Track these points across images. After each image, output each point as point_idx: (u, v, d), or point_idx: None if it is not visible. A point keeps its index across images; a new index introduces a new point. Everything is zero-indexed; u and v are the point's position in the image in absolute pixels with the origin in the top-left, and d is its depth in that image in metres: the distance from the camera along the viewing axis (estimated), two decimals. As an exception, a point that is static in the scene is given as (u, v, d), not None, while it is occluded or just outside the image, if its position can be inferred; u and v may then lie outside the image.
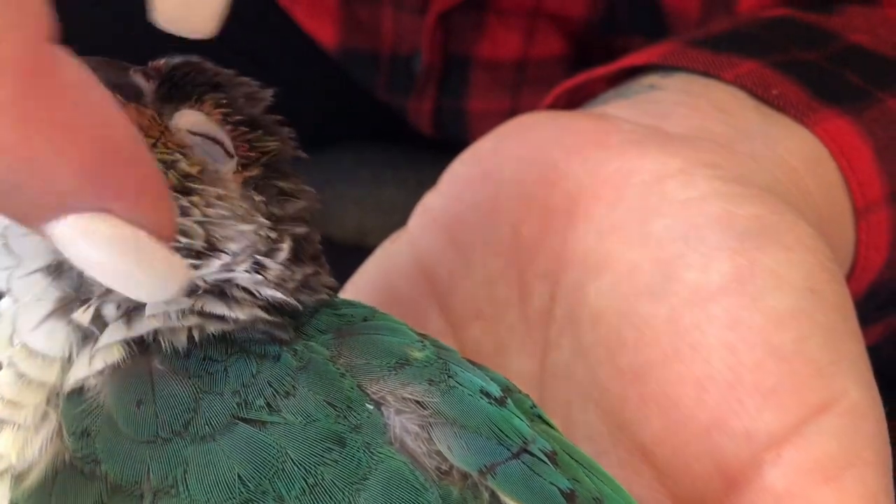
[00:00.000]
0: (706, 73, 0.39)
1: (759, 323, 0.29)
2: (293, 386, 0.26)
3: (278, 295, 0.27)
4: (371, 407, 0.26)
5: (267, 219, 0.28)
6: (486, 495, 0.25)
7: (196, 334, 0.26)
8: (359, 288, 0.38)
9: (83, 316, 0.26)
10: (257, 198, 0.29)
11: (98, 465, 0.25)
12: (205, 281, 0.27)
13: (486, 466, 0.25)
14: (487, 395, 0.26)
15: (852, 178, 0.38)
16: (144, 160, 0.23)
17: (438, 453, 0.25)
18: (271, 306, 0.27)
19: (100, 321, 0.26)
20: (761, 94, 0.38)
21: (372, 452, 0.25)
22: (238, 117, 0.29)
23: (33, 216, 0.22)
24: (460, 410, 0.26)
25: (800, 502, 0.27)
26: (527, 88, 0.64)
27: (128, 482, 0.24)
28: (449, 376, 0.26)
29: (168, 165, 0.27)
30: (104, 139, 0.22)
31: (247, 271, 0.27)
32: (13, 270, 0.27)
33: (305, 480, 0.24)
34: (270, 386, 0.26)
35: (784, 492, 0.27)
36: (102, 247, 0.22)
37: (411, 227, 0.38)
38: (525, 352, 0.35)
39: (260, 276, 0.27)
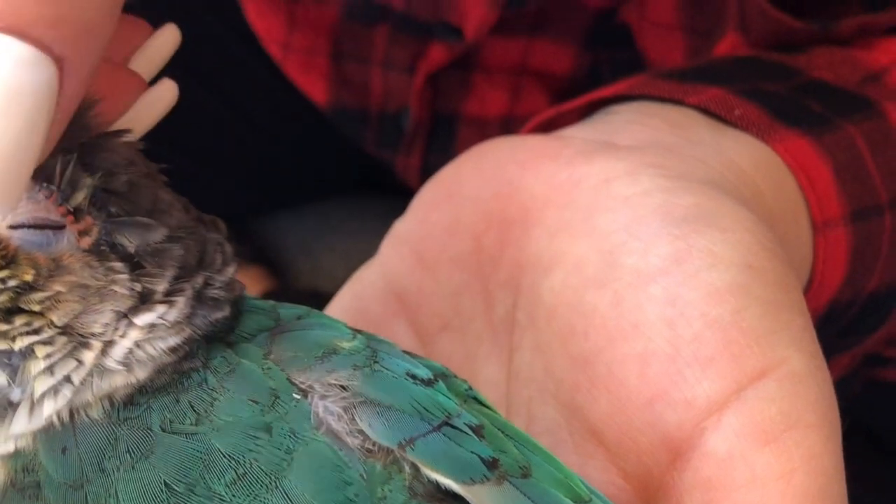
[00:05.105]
0: (670, 100, 0.40)
1: (696, 298, 0.29)
2: (218, 395, 0.26)
3: (166, 342, 0.27)
4: (298, 396, 0.26)
5: (130, 268, 0.27)
6: (407, 468, 0.25)
7: (106, 404, 0.27)
8: (334, 312, 0.39)
9: None
10: (110, 256, 0.27)
11: (41, 492, 0.26)
12: (91, 371, 0.27)
13: (405, 440, 0.25)
14: (413, 377, 0.27)
15: (811, 194, 0.39)
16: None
17: (361, 432, 0.26)
18: (168, 350, 0.27)
19: (10, 407, 0.27)
20: (724, 115, 0.39)
21: (297, 437, 0.25)
22: (38, 179, 0.26)
23: None
24: (383, 391, 0.26)
25: (741, 465, 0.27)
26: (513, 144, 0.65)
27: None
28: (375, 361, 0.27)
29: (0, 290, 0.26)
30: None
31: (122, 337, 0.27)
32: None
33: (234, 470, 0.25)
34: (193, 405, 0.26)
35: (725, 455, 0.28)
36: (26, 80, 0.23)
37: (382, 251, 0.39)
38: (492, 359, 0.35)
39: (139, 336, 0.27)
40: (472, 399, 0.28)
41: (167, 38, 0.33)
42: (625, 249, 0.31)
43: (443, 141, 0.65)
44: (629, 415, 0.29)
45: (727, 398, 0.28)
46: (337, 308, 0.39)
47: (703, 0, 0.55)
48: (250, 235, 0.74)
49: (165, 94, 0.32)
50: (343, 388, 0.26)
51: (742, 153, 0.37)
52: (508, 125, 0.65)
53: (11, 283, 0.26)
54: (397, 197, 0.72)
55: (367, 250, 0.70)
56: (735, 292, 0.29)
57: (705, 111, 0.40)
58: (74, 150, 0.27)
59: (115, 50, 0.32)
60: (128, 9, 0.34)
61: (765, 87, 0.42)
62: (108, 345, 0.27)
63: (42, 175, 0.26)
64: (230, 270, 0.29)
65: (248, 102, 0.71)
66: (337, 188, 0.75)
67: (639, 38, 0.59)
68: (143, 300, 0.27)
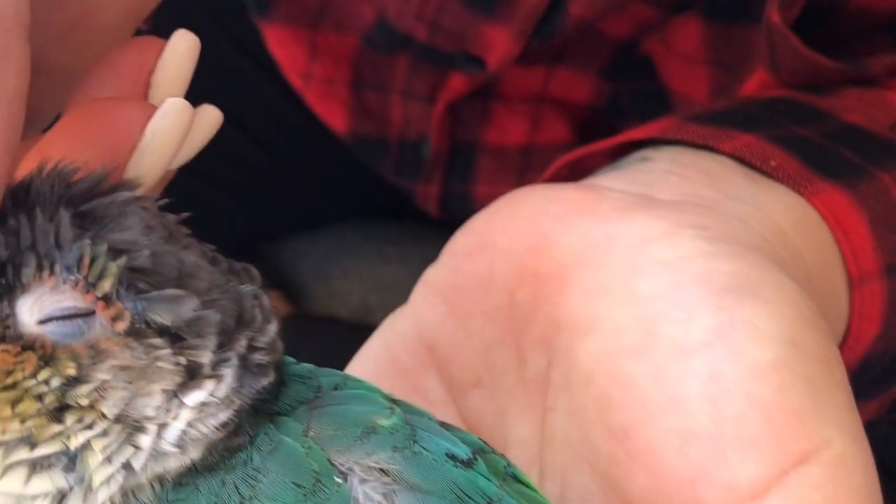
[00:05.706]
0: (703, 146, 0.40)
1: (739, 374, 0.29)
2: (262, 477, 0.26)
3: (217, 419, 0.27)
4: (339, 479, 0.26)
5: (171, 341, 0.26)
6: None
7: (157, 486, 0.26)
8: (364, 361, 0.38)
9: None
10: (147, 332, 0.26)
11: None
12: (148, 455, 0.26)
13: None
14: (454, 457, 0.27)
15: (847, 248, 0.38)
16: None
17: None
18: (219, 426, 0.27)
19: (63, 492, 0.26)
20: (760, 166, 0.39)
21: None
22: (62, 270, 0.26)
23: None
24: (423, 475, 0.26)
25: None
26: (532, 173, 0.65)
27: None
28: (415, 441, 0.27)
29: (46, 392, 0.26)
30: None
31: (175, 419, 0.26)
32: None
33: None
34: (238, 487, 0.26)
35: None
36: None
37: (413, 300, 0.39)
38: (525, 417, 0.35)
39: (191, 416, 0.26)
40: (510, 477, 0.28)
41: (182, 46, 0.30)
42: (665, 319, 0.30)
43: (462, 169, 0.65)
44: (668, 493, 0.29)
45: (769, 483, 0.28)
46: (367, 356, 0.38)
47: (732, 35, 0.54)
48: (265, 260, 0.74)
49: (179, 118, 0.29)
50: (383, 471, 0.26)
51: (780, 210, 0.37)
52: (528, 154, 0.65)
53: (55, 382, 0.25)
54: (413, 222, 0.72)
55: (383, 275, 0.69)
56: (778, 370, 0.29)
57: (740, 159, 0.40)
58: (91, 232, 0.26)
59: (128, 78, 0.30)
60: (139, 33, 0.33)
61: (798, 133, 0.42)
62: (162, 427, 0.26)
63: (64, 264, 0.25)
64: (272, 329, 0.28)
65: (264, 128, 0.71)
66: (353, 213, 0.75)
67: (662, 70, 0.59)
68: (191, 375, 0.26)
